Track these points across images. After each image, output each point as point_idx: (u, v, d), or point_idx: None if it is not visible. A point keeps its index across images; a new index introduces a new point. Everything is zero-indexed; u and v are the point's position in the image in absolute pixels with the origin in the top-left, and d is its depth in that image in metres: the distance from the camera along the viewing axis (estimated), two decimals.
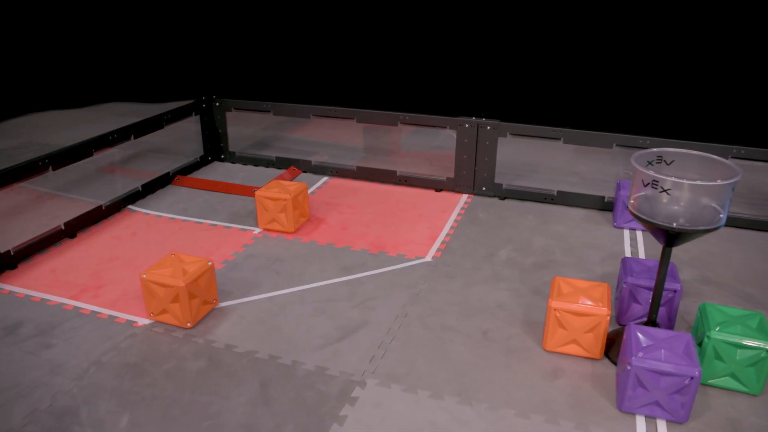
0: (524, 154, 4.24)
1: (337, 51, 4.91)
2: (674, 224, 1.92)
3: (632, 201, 2.03)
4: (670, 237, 2.00)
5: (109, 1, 5.25)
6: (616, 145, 3.29)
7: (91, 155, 3.22)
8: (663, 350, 1.91)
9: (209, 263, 2.44)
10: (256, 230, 3.17)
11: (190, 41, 5.28)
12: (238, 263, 2.86)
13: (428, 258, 2.89)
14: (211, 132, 4.08)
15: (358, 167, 3.82)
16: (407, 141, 4.63)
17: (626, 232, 3.17)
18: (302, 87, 5.04)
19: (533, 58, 4.44)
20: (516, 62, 4.49)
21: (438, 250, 2.97)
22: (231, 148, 4.14)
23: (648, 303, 2.31)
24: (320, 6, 4.79)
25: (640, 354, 1.91)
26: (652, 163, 2.10)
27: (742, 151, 3.13)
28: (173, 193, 3.64)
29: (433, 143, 4.48)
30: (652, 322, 2.19)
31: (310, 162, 3.93)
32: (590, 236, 3.13)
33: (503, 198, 3.55)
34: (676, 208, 1.98)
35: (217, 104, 4.02)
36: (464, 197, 3.56)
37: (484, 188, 3.56)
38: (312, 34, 4.92)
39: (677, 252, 2.97)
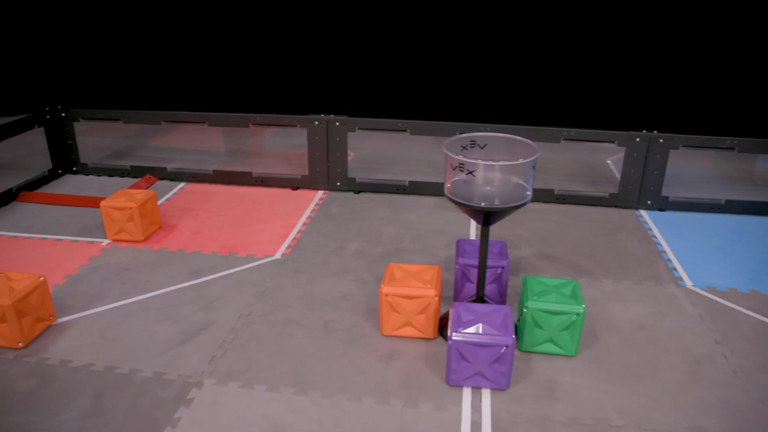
0: (385, 149, 4.35)
1: (192, 55, 4.83)
2: (483, 204, 2.04)
3: (448, 185, 2.13)
4: (485, 216, 2.12)
5: None
6: (459, 133, 3.43)
7: None
8: (481, 324, 2.02)
9: (41, 279, 2.36)
10: (105, 242, 3.08)
11: (37, 52, 5.04)
12: (82, 276, 2.77)
13: (277, 256, 2.91)
14: (59, 144, 3.91)
15: (214, 171, 3.78)
16: (269, 142, 4.64)
17: None
18: (157, 93, 4.93)
19: (386, 54, 4.56)
20: (371, 59, 4.59)
21: (288, 247, 3.00)
22: (83, 160, 3.99)
23: None
24: (170, 9, 4.71)
25: (460, 329, 2.01)
26: (467, 147, 2.21)
27: (572, 133, 3.35)
28: (17, 210, 3.47)
29: (295, 142, 4.50)
30: (480, 298, 2.31)
31: (165, 169, 3.86)
32: (439, 222, 3.26)
33: (358, 192, 3.62)
34: (489, 188, 2.10)
35: (63, 114, 3.87)
36: (319, 194, 3.61)
37: (338, 183, 3.62)
38: (165, 38, 4.82)
39: (518, 230, 3.14)
